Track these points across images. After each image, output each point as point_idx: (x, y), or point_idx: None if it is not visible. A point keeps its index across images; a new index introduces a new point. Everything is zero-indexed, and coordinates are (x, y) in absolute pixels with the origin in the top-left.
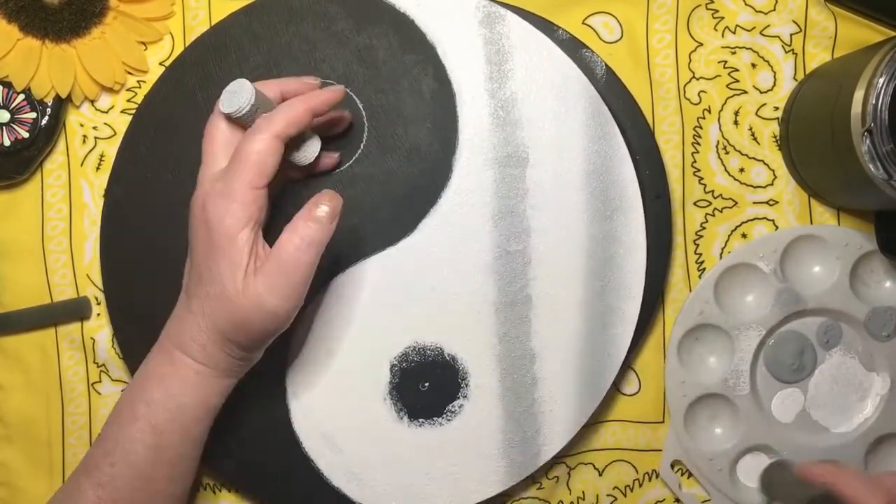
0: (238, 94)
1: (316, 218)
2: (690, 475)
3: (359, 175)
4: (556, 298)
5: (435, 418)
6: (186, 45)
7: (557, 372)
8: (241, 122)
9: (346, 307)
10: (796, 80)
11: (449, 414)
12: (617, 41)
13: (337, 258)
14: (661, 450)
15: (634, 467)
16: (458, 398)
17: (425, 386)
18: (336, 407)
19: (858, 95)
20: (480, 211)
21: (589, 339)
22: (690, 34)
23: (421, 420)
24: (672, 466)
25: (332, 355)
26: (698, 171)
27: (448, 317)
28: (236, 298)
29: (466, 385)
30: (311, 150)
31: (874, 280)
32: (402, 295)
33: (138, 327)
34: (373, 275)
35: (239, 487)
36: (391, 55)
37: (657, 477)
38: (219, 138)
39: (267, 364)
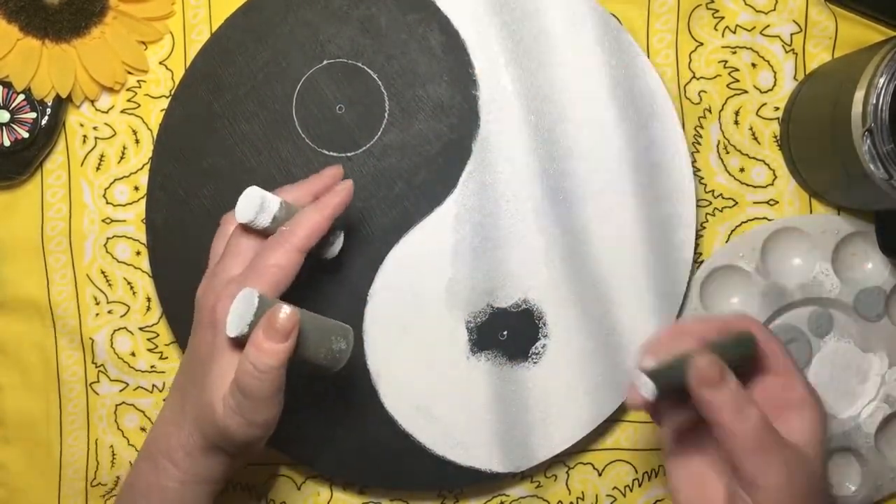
0: (253, 205)
1: (265, 346)
2: None
3: (389, 144)
4: (611, 218)
5: (522, 363)
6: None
7: (630, 291)
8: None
9: (409, 278)
10: (796, 80)
11: (534, 356)
12: None
13: (388, 232)
14: (660, 449)
15: (634, 467)
16: (540, 338)
17: (504, 335)
18: (422, 377)
19: (859, 95)
20: (515, 150)
21: (654, 250)
22: (691, 34)
23: (508, 368)
24: None
25: (407, 329)
26: (699, 170)
27: (510, 262)
28: (218, 407)
29: (544, 324)
30: (337, 245)
31: (857, 262)
32: (459, 252)
33: None
34: (427, 239)
35: (344, 478)
36: (393, 19)
37: (656, 476)
38: (232, 241)
39: None
